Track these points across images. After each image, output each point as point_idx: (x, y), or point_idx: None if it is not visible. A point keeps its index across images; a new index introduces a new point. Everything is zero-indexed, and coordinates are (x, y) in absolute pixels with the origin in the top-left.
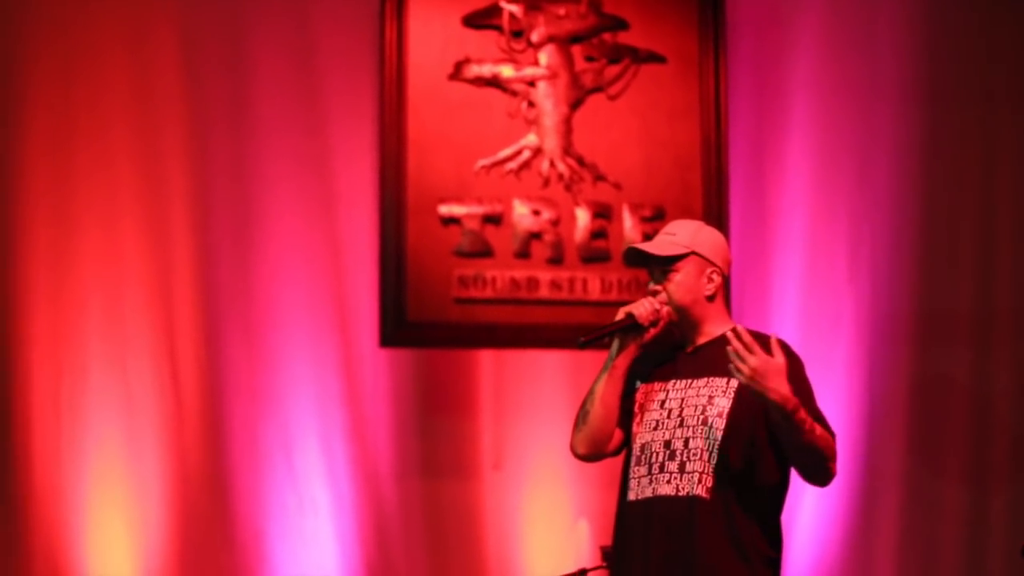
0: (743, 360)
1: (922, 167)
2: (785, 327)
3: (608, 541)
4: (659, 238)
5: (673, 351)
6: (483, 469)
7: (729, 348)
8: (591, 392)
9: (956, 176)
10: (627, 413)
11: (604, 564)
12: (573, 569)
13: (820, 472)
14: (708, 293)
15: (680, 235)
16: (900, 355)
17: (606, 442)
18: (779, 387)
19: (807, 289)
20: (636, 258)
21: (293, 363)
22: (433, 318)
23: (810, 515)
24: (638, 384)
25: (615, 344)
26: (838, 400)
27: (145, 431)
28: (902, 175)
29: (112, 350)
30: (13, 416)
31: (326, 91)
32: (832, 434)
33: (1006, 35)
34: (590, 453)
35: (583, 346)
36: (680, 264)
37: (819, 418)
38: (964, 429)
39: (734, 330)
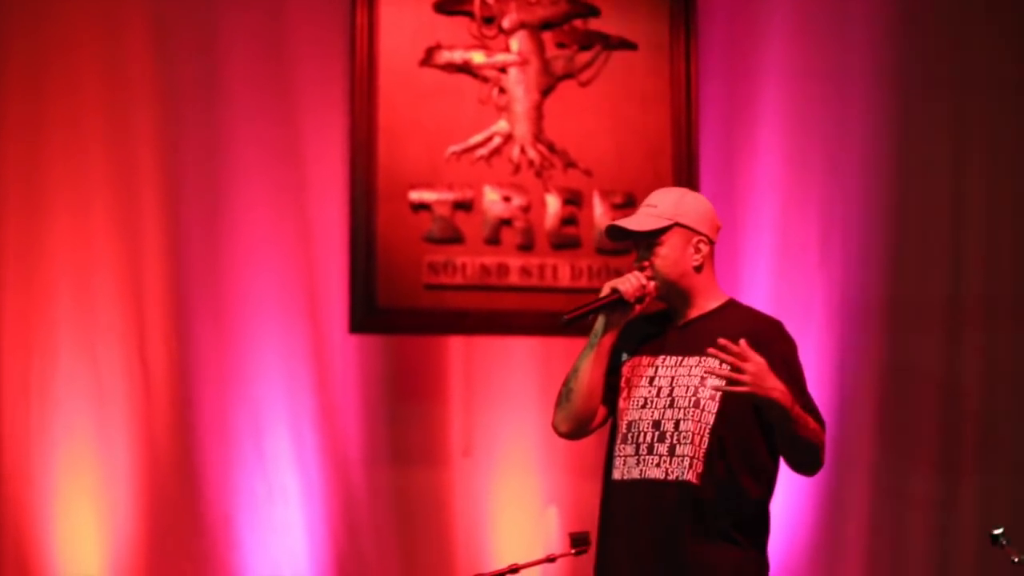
0: (740, 370)
1: (894, 153)
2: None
3: (577, 527)
4: (641, 211)
5: (662, 324)
6: (453, 456)
7: (720, 366)
8: (575, 369)
9: (928, 163)
10: (612, 388)
11: (573, 551)
12: (542, 555)
13: (809, 464)
14: (695, 264)
15: (662, 206)
16: (870, 342)
17: (589, 420)
18: (776, 385)
19: (777, 275)
20: (619, 236)
21: (263, 349)
22: (403, 304)
23: (780, 502)
24: (625, 357)
25: (600, 320)
26: (808, 386)
27: (115, 417)
28: (873, 161)
29: (82, 336)
30: None
31: (297, 78)
32: (822, 423)
33: (978, 22)
34: (572, 431)
35: (567, 324)
36: (664, 237)
37: (810, 407)
38: (934, 416)
39: (721, 341)
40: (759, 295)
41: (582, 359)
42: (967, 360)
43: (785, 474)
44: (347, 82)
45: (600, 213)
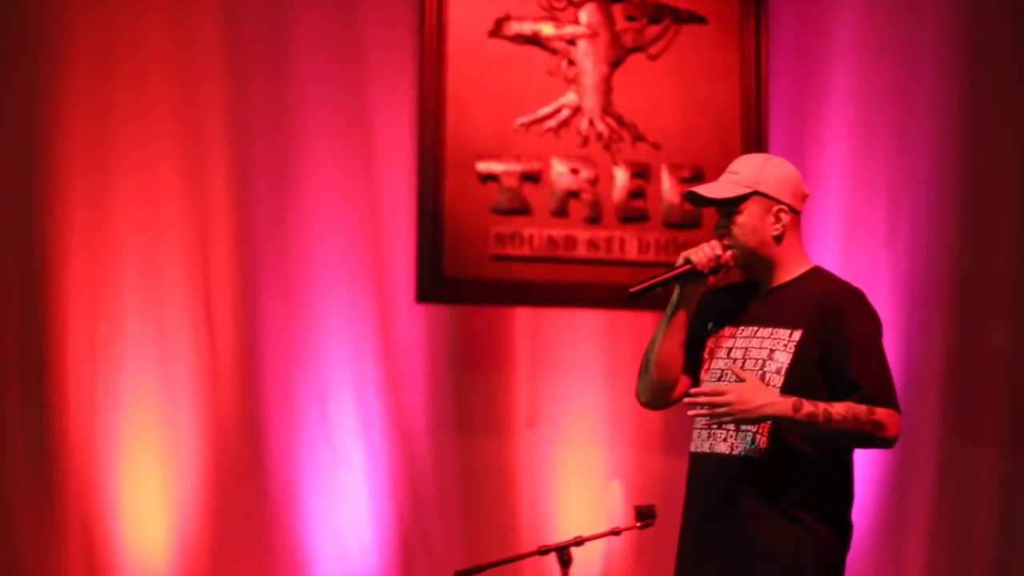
0: (717, 413)
1: (962, 134)
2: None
3: (640, 501)
4: (722, 177)
5: (748, 293)
6: (517, 427)
7: (691, 413)
8: (653, 340)
9: (995, 143)
10: (697, 358)
11: (638, 524)
12: (605, 528)
13: (870, 444)
14: (775, 233)
15: (743, 173)
16: (937, 322)
17: (669, 390)
18: (766, 403)
19: (844, 254)
20: (699, 201)
21: (329, 316)
22: (470, 275)
23: None
24: (711, 328)
25: (676, 292)
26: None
27: (180, 380)
28: (942, 141)
29: (148, 298)
30: (48, 363)
31: (367, 45)
32: (886, 397)
33: None
34: (651, 401)
35: (633, 297)
36: (743, 205)
37: (878, 381)
38: (1000, 396)
39: (688, 394)
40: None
41: (659, 331)
42: None
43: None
44: (416, 51)
45: (668, 187)
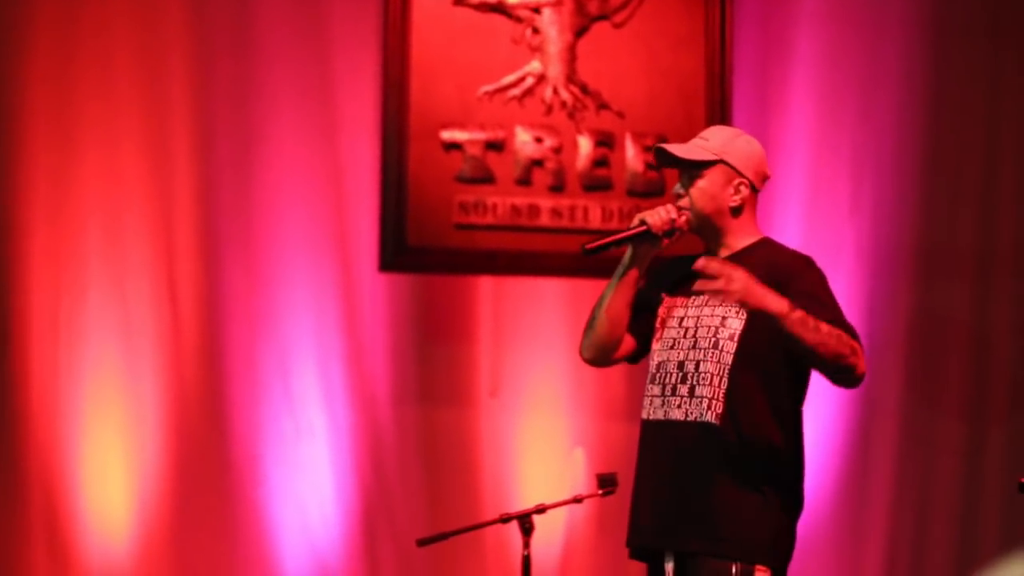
0: (727, 281)
1: (926, 102)
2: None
3: (603, 469)
4: (692, 141)
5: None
6: (480, 396)
7: (701, 283)
8: (601, 297)
9: (960, 112)
10: (648, 326)
11: (600, 491)
12: (568, 496)
13: (842, 370)
14: (733, 204)
15: (713, 141)
16: (900, 289)
17: (612, 349)
18: (768, 295)
19: (808, 221)
20: (665, 159)
21: (292, 287)
22: (433, 244)
23: (806, 447)
24: (662, 297)
25: (628, 251)
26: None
27: (143, 352)
28: (906, 109)
29: (111, 271)
30: (11, 335)
31: (330, 15)
32: (857, 339)
33: None
34: (595, 357)
35: (588, 253)
36: (706, 171)
37: (844, 325)
38: (962, 364)
39: (700, 261)
40: (789, 241)
41: (608, 288)
42: (997, 308)
43: (810, 419)
44: (380, 21)
45: (632, 155)
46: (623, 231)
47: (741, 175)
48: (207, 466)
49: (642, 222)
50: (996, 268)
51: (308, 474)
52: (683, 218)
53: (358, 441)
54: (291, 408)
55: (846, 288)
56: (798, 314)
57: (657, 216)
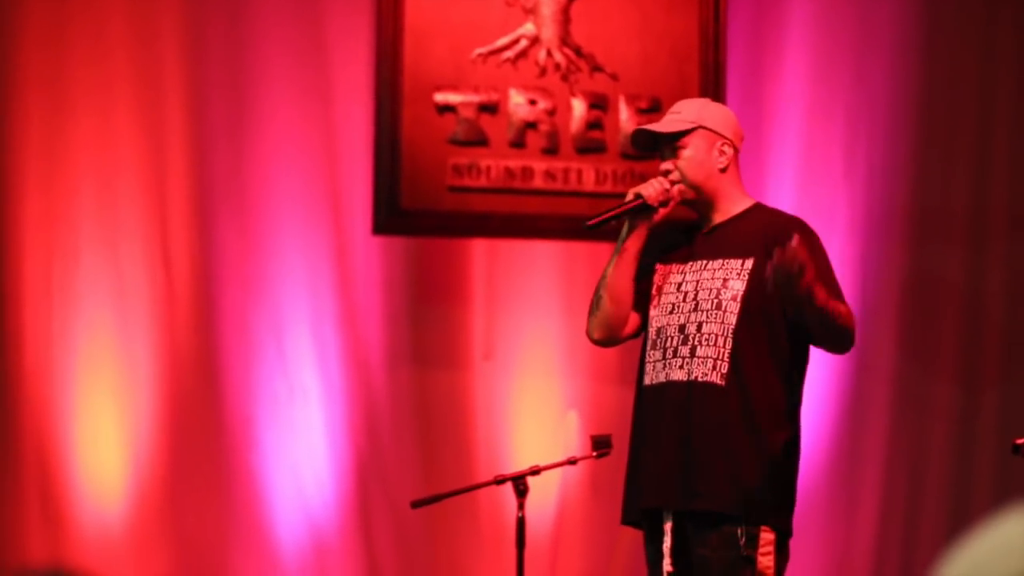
0: (799, 261)
1: (920, 65)
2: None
3: (597, 432)
4: (665, 117)
5: (691, 231)
6: (474, 358)
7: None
8: (603, 275)
9: (954, 75)
10: (645, 296)
11: (594, 453)
12: (561, 459)
13: (838, 335)
14: (720, 166)
15: (685, 112)
16: (893, 253)
17: (620, 327)
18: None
19: (802, 185)
20: (644, 141)
21: (285, 250)
22: (426, 206)
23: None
24: (656, 266)
25: (625, 226)
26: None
27: (136, 315)
28: (899, 73)
29: (104, 235)
30: (5, 299)
31: None
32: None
33: None
34: (604, 338)
35: (589, 229)
36: (687, 139)
37: (836, 292)
38: (956, 328)
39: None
40: (783, 205)
41: (609, 265)
42: (990, 271)
43: (804, 385)
44: None
45: (626, 118)
46: (619, 206)
47: (722, 135)
48: (200, 428)
49: (638, 195)
50: (990, 231)
51: (301, 436)
52: (676, 188)
53: (351, 403)
54: (284, 370)
55: (840, 252)
56: (826, 289)
57: (651, 188)
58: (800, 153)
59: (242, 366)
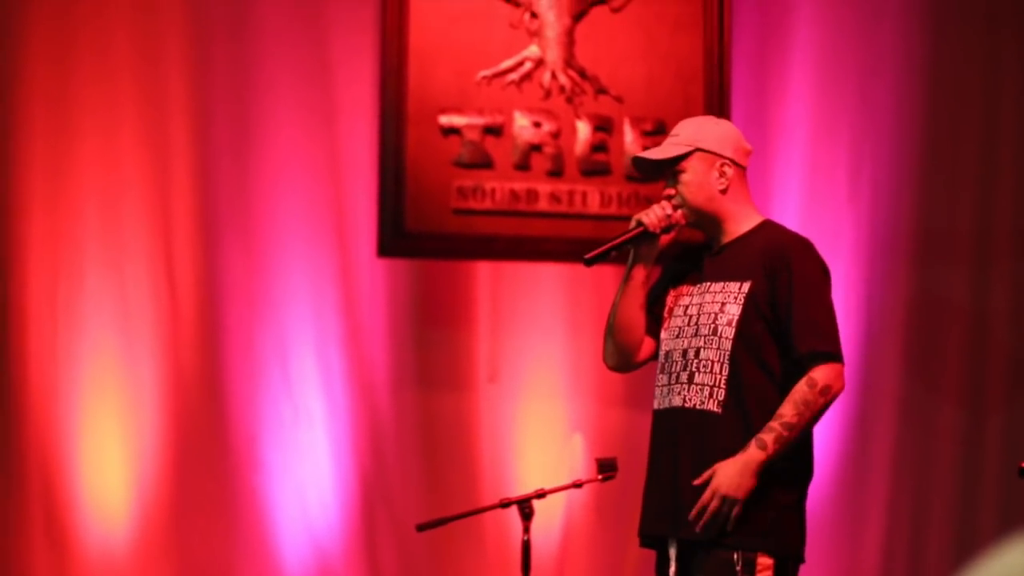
0: (711, 511)
1: (924, 87)
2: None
3: (603, 454)
4: (665, 141)
5: (702, 253)
6: (479, 381)
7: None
8: (614, 304)
9: (958, 96)
10: (658, 320)
11: (600, 476)
12: (566, 482)
13: (828, 407)
14: (721, 187)
15: (683, 134)
16: (898, 274)
17: (633, 353)
18: (741, 468)
19: (807, 207)
20: (645, 167)
21: (290, 272)
22: (431, 229)
23: None
24: (669, 288)
25: (632, 254)
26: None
27: (141, 337)
28: (904, 94)
29: (109, 255)
30: (9, 318)
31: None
32: (830, 352)
33: None
34: (619, 365)
35: (589, 263)
36: (685, 163)
37: (818, 331)
38: (961, 349)
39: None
40: (788, 226)
41: (619, 294)
42: (996, 292)
43: None
44: (378, 5)
45: (630, 140)
46: (621, 235)
47: (720, 156)
48: (205, 450)
49: (638, 223)
50: (995, 252)
51: (306, 459)
52: (678, 213)
53: (356, 426)
54: (289, 393)
55: (844, 273)
56: (771, 439)
57: (652, 214)
58: (805, 174)
59: (247, 387)
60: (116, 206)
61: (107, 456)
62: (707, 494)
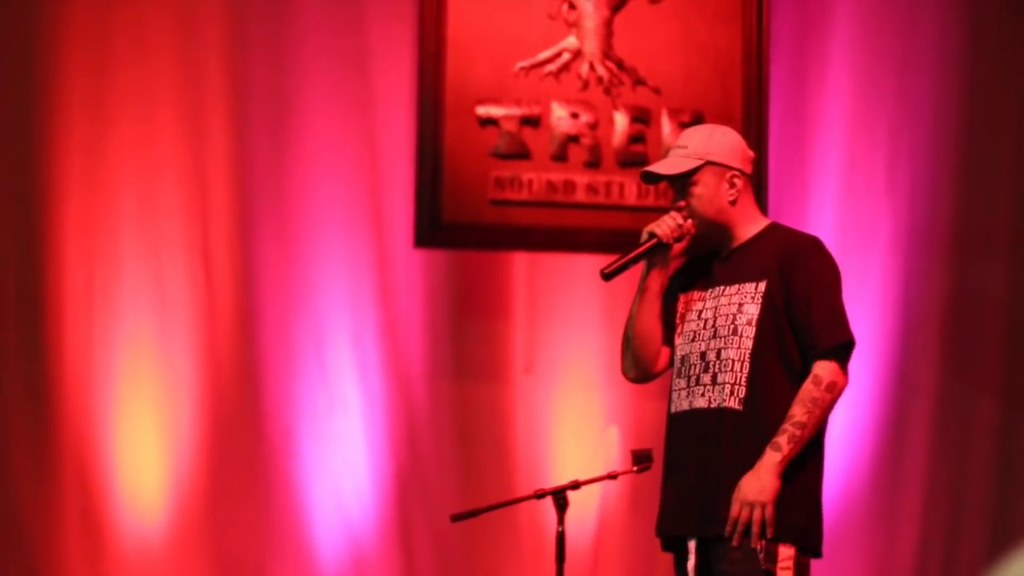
0: (744, 521)
1: (962, 81)
2: (821, 237)
3: (638, 445)
4: (672, 153)
5: (711, 258)
6: (515, 372)
7: (735, 543)
8: (629, 316)
9: (996, 90)
10: (671, 327)
11: (635, 468)
12: (601, 474)
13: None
14: (731, 198)
15: (692, 146)
16: (936, 268)
17: (652, 364)
18: (761, 474)
19: (844, 199)
20: (652, 178)
21: (327, 261)
22: (468, 219)
23: (840, 427)
24: (679, 295)
25: (645, 265)
26: (872, 312)
27: (177, 325)
28: (942, 88)
29: (146, 242)
30: (45, 307)
31: None
32: (840, 336)
33: None
34: (639, 376)
35: (606, 278)
36: (696, 176)
37: (831, 318)
38: (998, 343)
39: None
40: (826, 219)
41: (634, 305)
42: None
43: (845, 399)
44: None
45: (668, 131)
46: (635, 248)
47: (730, 168)
48: (241, 440)
49: (651, 235)
50: None
51: (342, 449)
52: (689, 222)
53: (392, 416)
54: (325, 383)
55: (882, 267)
56: (785, 440)
57: (664, 225)
58: (843, 168)
59: (283, 377)
60: (152, 193)
61: (142, 446)
62: (735, 507)
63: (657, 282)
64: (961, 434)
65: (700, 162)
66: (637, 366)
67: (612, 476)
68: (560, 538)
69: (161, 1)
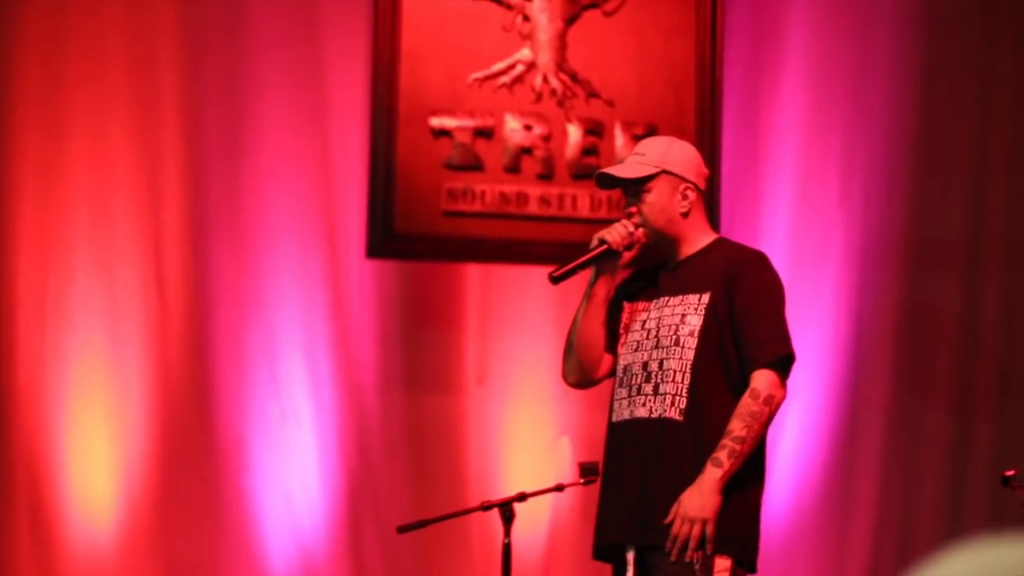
0: (683, 537)
1: (917, 93)
2: (774, 249)
3: (590, 457)
4: (629, 159)
5: (657, 269)
6: (467, 383)
7: (674, 558)
8: (574, 321)
9: (951, 103)
10: (615, 336)
11: (582, 480)
12: (553, 485)
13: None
14: (683, 210)
15: (650, 154)
16: (889, 280)
17: (594, 369)
18: (703, 490)
19: (798, 211)
20: (608, 181)
21: (279, 272)
22: (421, 230)
23: (792, 439)
24: (624, 304)
25: (593, 271)
26: (825, 323)
27: (129, 337)
28: (897, 101)
29: (99, 255)
30: None
31: (320, 1)
32: (782, 351)
33: None
34: (578, 381)
35: (555, 281)
36: (651, 184)
37: (773, 333)
38: (950, 356)
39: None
40: (779, 230)
41: (579, 311)
42: (986, 301)
43: (797, 410)
44: (370, 7)
45: (621, 144)
46: (585, 254)
47: (685, 180)
48: (192, 451)
49: (602, 241)
50: (985, 259)
51: (293, 460)
52: (640, 231)
53: (344, 427)
54: (277, 394)
55: (835, 278)
56: (725, 456)
57: (615, 233)
58: (796, 179)
59: (235, 388)
60: (106, 207)
61: (94, 456)
62: (676, 524)
63: (604, 289)
64: (913, 446)
65: (656, 170)
66: (578, 371)
67: (559, 488)
68: (507, 550)
69: (115, 17)
